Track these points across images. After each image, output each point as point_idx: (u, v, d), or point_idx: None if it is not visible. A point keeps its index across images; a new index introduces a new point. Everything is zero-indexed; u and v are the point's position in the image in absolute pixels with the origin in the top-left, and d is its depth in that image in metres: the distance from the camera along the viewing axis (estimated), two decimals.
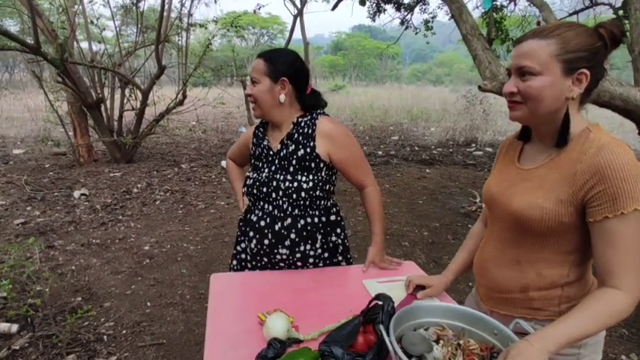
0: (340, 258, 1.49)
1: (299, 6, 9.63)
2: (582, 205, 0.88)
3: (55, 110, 6.17)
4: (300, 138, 1.37)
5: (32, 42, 4.60)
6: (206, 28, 6.71)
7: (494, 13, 4.79)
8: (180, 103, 6.56)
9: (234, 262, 1.49)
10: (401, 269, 1.50)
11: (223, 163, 6.47)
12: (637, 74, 1.86)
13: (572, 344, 0.85)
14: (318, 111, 1.42)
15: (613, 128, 8.22)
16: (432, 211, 4.58)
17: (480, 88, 1.91)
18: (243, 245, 1.45)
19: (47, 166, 6.28)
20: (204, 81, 7.75)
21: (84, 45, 7.15)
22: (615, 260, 0.85)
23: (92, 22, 6.14)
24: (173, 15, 6.57)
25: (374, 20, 6.78)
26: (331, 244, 1.45)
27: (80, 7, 6.40)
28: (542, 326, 0.94)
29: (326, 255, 1.44)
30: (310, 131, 1.36)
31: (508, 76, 0.96)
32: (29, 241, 2.79)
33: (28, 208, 4.32)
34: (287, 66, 1.34)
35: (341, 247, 1.48)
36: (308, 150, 1.36)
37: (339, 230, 1.47)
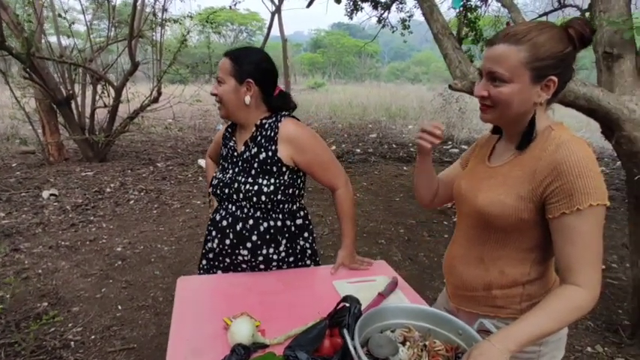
0: (308, 262, 1.47)
1: (277, 3, 9.54)
2: (541, 201, 0.90)
3: (22, 107, 5.93)
4: (263, 141, 1.35)
5: None
6: (181, 23, 6.57)
7: (468, 13, 4.87)
8: (155, 100, 6.40)
9: (204, 262, 1.46)
10: (372, 269, 1.49)
11: (200, 162, 6.36)
12: (600, 75, 1.91)
13: (534, 342, 0.86)
14: (284, 113, 1.40)
15: (581, 127, 8.49)
16: (409, 209, 4.63)
17: (450, 87, 1.92)
18: (209, 245, 1.43)
19: (14, 165, 6.03)
20: (180, 78, 7.59)
21: (53, 39, 6.90)
22: (574, 257, 0.86)
23: (60, 15, 5.91)
24: (148, 10, 6.40)
25: (351, 18, 6.78)
26: (298, 248, 1.44)
27: None
28: (506, 324, 0.95)
29: (291, 259, 1.43)
30: (273, 134, 1.34)
31: (480, 76, 0.97)
32: None
33: None
34: (253, 67, 1.31)
35: (309, 251, 1.47)
36: (270, 154, 1.33)
37: (306, 234, 1.46)
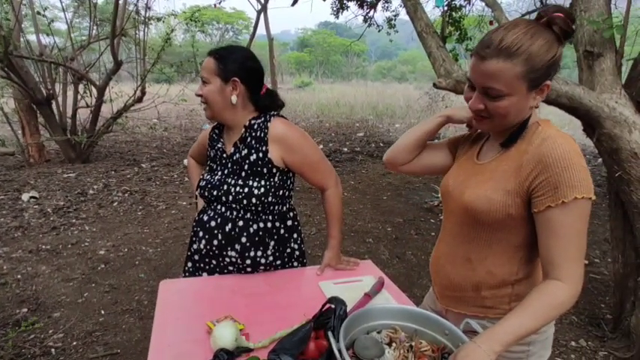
0: (296, 264, 1.46)
1: (262, 1, 9.47)
2: (528, 195, 0.90)
3: (0, 107, 5.77)
4: (253, 142, 1.32)
5: None
6: (164, 22, 6.46)
7: (452, 12, 4.90)
8: (139, 100, 6.30)
9: (189, 265, 1.43)
10: (358, 269, 1.48)
11: (186, 162, 6.28)
12: (581, 73, 1.93)
13: (520, 341, 0.85)
14: (272, 113, 1.37)
15: (564, 124, 8.65)
16: (396, 207, 4.64)
17: (435, 85, 1.92)
18: (195, 246, 1.39)
19: None
20: (166, 77, 7.48)
21: (32, 38, 6.72)
22: (557, 250, 0.86)
23: (39, 13, 5.76)
24: (130, 8, 6.28)
25: (337, 17, 6.77)
26: (287, 251, 1.42)
27: None
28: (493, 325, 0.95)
29: (278, 262, 1.41)
30: (262, 135, 1.31)
31: (470, 88, 0.95)
32: None
33: None
34: (238, 65, 1.28)
35: (297, 253, 1.46)
36: (260, 155, 1.31)
37: (295, 235, 1.44)
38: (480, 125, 0.97)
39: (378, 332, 0.96)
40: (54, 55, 6.20)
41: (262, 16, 9.56)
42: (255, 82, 1.34)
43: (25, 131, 6.03)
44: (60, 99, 6.23)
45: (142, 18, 6.28)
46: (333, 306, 1.00)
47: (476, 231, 0.99)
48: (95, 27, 6.54)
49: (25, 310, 2.48)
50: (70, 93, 6.35)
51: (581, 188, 0.83)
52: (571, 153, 0.85)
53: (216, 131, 1.42)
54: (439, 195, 4.81)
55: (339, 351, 0.81)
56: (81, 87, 6.26)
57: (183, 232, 3.77)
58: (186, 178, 5.50)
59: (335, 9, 6.72)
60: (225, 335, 0.93)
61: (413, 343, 0.93)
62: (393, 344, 0.93)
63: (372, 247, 3.58)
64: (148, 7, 6.36)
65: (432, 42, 1.90)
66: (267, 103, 1.37)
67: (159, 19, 6.18)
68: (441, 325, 0.94)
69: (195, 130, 9.52)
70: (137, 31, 6.44)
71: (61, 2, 6.48)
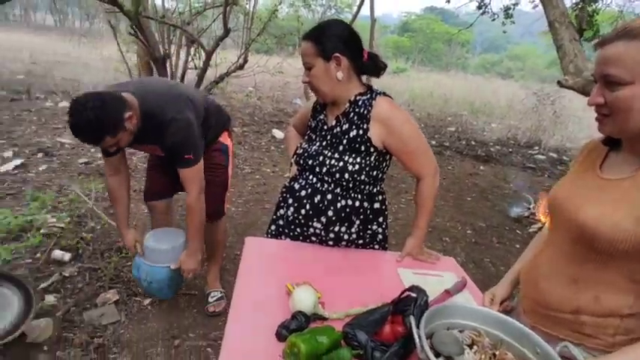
0: (377, 247, 1.44)
1: None
2: None
3: (126, 61, 6.48)
4: (355, 118, 1.30)
5: None
6: None
7: (586, 5, 4.33)
8: (241, 67, 6.63)
9: (273, 227, 1.48)
10: (439, 264, 1.42)
11: (274, 132, 6.52)
12: None
13: None
14: (379, 90, 1.34)
15: None
16: (480, 210, 4.36)
17: (559, 83, 1.72)
18: (281, 212, 1.44)
19: None
20: (266, 48, 7.77)
21: (157, 1, 7.39)
22: None
23: None
24: None
25: (448, 1, 6.38)
26: (369, 232, 1.40)
27: None
28: (592, 355, 0.84)
29: (360, 242, 1.40)
30: (366, 112, 1.29)
31: (594, 82, 0.83)
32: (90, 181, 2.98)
33: (92, 150, 4.61)
34: (336, 39, 1.26)
35: (380, 236, 1.43)
36: (360, 132, 1.29)
37: (381, 219, 1.42)
38: (603, 127, 0.83)
39: (460, 331, 0.91)
40: (174, 17, 6.76)
41: None
42: (355, 50, 1.30)
43: None
44: (173, 59, 6.81)
45: None
46: (414, 294, 0.96)
47: (590, 254, 0.86)
48: None
49: None
50: (182, 54, 6.91)
51: None
52: None
53: (320, 103, 1.42)
54: (531, 206, 4.41)
55: (419, 337, 0.78)
56: (192, 50, 6.76)
57: (264, 197, 3.95)
58: (273, 147, 5.73)
59: None
60: (305, 299, 0.95)
61: (497, 352, 0.86)
62: (475, 347, 0.88)
63: (447, 247, 3.43)
64: None
65: (565, 33, 1.69)
66: (373, 68, 1.34)
67: None
68: (533, 342, 0.86)
69: (285, 102, 9.80)
70: (247, 2, 6.74)
71: None
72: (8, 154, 4.04)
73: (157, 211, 2.18)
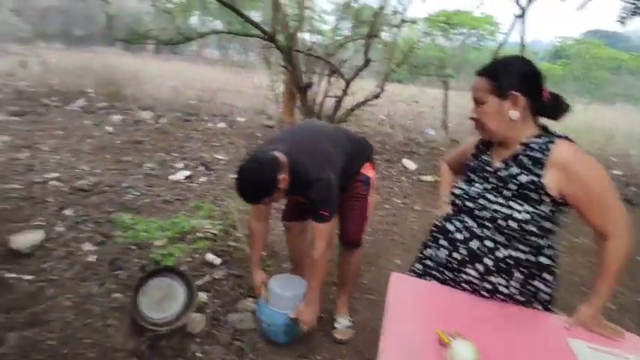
0: (540, 308, 1.26)
1: (523, 5, 8.63)
2: None
3: (274, 90, 7.22)
4: (528, 162, 1.18)
5: (270, 31, 5.43)
6: (416, 24, 6.70)
7: None
8: (377, 96, 6.79)
9: (419, 267, 1.42)
10: (623, 343, 1.16)
11: (404, 162, 6.44)
12: None
13: None
14: (559, 133, 1.20)
15: None
16: None
17: None
18: (430, 251, 1.37)
19: (259, 134, 7.44)
20: (401, 77, 7.82)
21: (304, 35, 8.12)
22: None
23: (320, 16, 6.87)
24: (387, 10, 6.79)
25: (623, 24, 5.50)
26: (531, 289, 1.24)
27: (312, 1, 7.24)
28: None
29: (519, 298, 1.24)
30: (541, 156, 1.16)
31: None
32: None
33: None
34: (515, 77, 1.16)
35: (544, 295, 1.25)
36: (533, 178, 1.15)
37: (547, 276, 1.24)
38: None
39: None
40: (319, 50, 7.32)
41: (518, 21, 8.74)
42: (535, 89, 1.19)
43: (285, 110, 7.39)
44: (315, 87, 7.34)
45: (396, 21, 6.69)
46: None
47: None
48: (353, 28, 7.37)
49: (265, 253, 3.02)
50: (323, 83, 7.41)
51: None
52: None
53: (485, 142, 1.33)
54: None
55: None
56: (332, 79, 7.20)
57: (393, 228, 3.88)
58: (403, 178, 5.64)
59: (624, 14, 5.47)
60: (466, 356, 0.86)
61: None
62: None
63: (613, 316, 2.83)
64: (400, 12, 6.72)
65: None
66: (554, 110, 1.20)
67: (413, 22, 6.43)
68: None
69: (417, 132, 9.64)
70: (389, 34, 6.91)
71: (333, 8, 7.53)
72: (180, 165, 4.82)
73: (293, 231, 2.34)
